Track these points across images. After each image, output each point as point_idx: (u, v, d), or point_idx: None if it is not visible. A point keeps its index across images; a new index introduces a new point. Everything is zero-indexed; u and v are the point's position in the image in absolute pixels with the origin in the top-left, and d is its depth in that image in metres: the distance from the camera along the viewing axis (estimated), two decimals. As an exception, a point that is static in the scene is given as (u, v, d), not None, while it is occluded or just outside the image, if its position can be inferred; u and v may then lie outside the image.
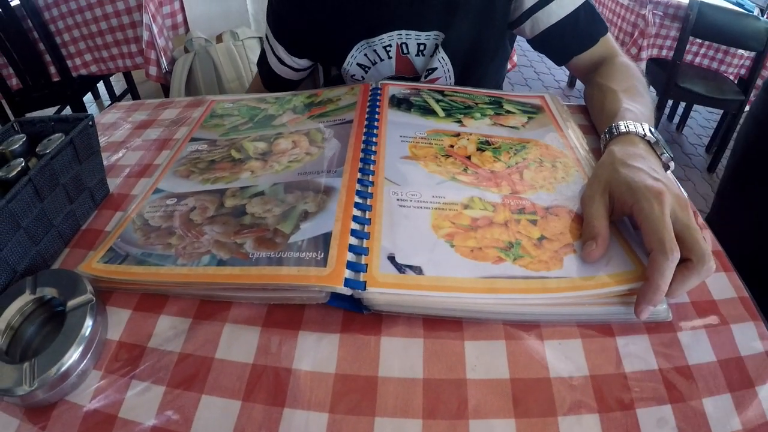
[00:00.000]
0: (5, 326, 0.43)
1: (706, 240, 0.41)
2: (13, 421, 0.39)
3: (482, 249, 0.45)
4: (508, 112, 0.68)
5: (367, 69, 0.87)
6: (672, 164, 0.52)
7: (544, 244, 0.46)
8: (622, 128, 0.54)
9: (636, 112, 0.57)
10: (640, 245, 0.45)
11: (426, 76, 0.84)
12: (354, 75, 0.88)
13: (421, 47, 0.82)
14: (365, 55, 0.85)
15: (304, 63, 0.94)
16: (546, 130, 0.64)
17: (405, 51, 0.83)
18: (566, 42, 0.77)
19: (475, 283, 0.42)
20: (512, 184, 0.53)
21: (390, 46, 0.82)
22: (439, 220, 0.48)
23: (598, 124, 0.65)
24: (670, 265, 0.39)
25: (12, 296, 0.44)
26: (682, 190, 0.48)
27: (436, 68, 0.83)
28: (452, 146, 0.60)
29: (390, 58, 0.84)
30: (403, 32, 0.81)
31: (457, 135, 0.62)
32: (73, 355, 0.39)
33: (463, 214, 0.49)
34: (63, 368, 0.38)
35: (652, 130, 0.54)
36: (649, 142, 0.53)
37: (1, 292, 0.45)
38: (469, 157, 0.58)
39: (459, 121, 0.65)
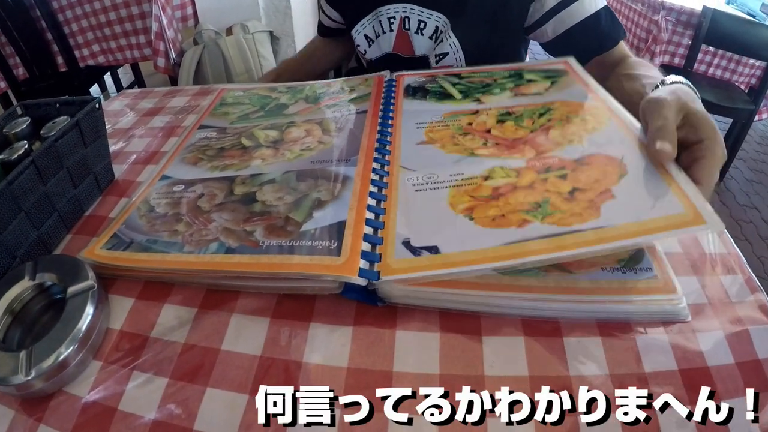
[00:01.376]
0: (2, 313, 0.41)
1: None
2: (8, 413, 0.38)
3: (505, 215, 0.42)
4: (530, 81, 0.65)
5: (371, 42, 0.89)
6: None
7: (576, 196, 0.43)
8: (668, 81, 0.52)
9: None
10: (689, 184, 0.41)
11: (437, 62, 0.85)
12: (359, 46, 0.91)
13: (422, 25, 0.83)
14: (373, 27, 0.87)
15: (337, 16, 0.97)
16: (572, 89, 0.61)
17: (406, 26, 0.84)
18: (589, 41, 0.75)
19: (499, 251, 0.39)
20: (536, 146, 0.51)
21: (394, 18, 0.84)
22: (456, 197, 0.46)
23: (632, 99, 0.60)
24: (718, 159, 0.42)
25: (10, 282, 0.43)
26: None
27: (447, 53, 0.83)
28: (470, 124, 0.58)
29: (392, 31, 0.85)
30: (408, 6, 0.82)
31: (475, 112, 0.60)
32: (72, 343, 0.38)
33: (483, 186, 0.47)
34: (61, 357, 0.37)
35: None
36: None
37: (-1, 278, 0.44)
38: (489, 131, 0.55)
39: (477, 100, 0.63)
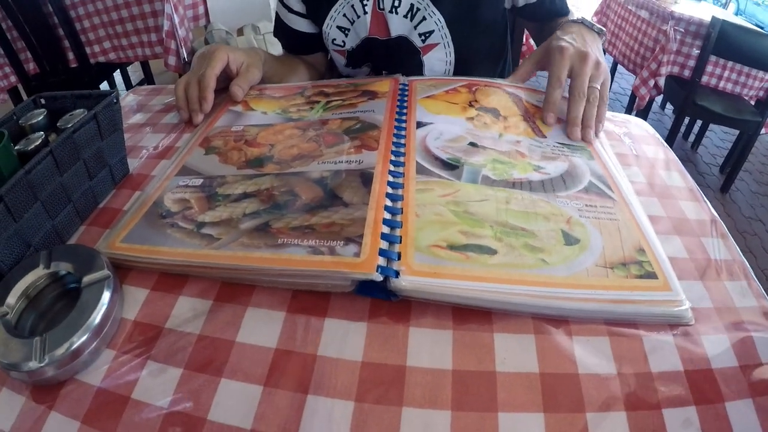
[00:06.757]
0: (16, 300, 0.41)
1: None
2: (18, 399, 0.37)
3: None
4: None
5: (346, 32, 0.86)
6: (605, 35, 0.73)
7: None
8: (562, 21, 0.75)
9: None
10: None
11: (423, 41, 0.83)
12: (335, 39, 0.88)
13: (396, 2, 0.81)
14: (344, 15, 0.84)
15: (304, 25, 0.91)
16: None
17: (381, 6, 0.82)
18: (554, 6, 0.87)
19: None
20: None
21: None
22: None
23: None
24: (557, 91, 0.63)
25: (25, 270, 0.43)
26: (602, 56, 0.67)
27: (432, 31, 0.82)
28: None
29: (366, 13, 0.83)
30: None
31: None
32: (86, 332, 0.38)
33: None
34: (75, 345, 0.37)
35: (583, 18, 0.73)
36: (581, 23, 0.71)
37: (13, 266, 0.44)
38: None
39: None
